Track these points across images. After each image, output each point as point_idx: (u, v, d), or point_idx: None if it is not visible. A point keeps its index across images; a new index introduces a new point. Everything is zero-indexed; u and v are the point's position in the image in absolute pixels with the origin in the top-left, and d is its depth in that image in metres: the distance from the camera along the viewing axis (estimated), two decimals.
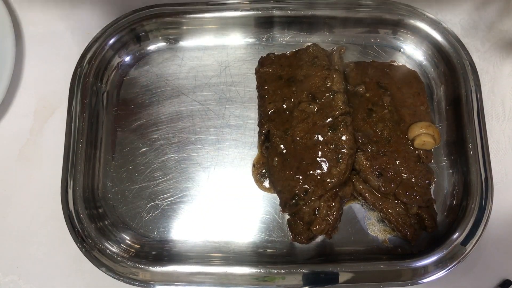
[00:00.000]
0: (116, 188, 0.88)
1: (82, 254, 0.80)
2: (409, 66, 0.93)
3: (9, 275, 0.86)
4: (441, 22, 0.91)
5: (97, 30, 0.92)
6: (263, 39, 0.96)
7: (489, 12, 0.98)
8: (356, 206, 0.86)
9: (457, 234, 0.79)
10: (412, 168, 0.83)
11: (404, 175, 0.82)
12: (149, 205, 0.87)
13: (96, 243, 0.81)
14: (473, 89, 0.86)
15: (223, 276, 0.78)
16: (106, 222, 0.85)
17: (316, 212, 0.79)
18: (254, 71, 0.92)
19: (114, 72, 0.94)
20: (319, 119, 0.82)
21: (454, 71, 0.89)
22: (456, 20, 0.97)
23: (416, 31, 0.92)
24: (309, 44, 0.92)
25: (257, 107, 0.90)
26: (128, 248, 0.83)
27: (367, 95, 0.88)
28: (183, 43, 0.96)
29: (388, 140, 0.84)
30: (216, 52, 0.96)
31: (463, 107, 0.86)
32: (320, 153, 0.80)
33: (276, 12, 0.92)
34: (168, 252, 0.84)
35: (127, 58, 0.95)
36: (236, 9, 0.92)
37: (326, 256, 0.83)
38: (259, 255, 0.83)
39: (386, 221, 0.83)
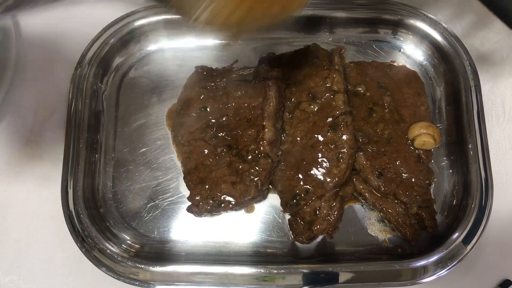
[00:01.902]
0: (116, 188, 0.88)
1: (82, 254, 0.80)
2: (409, 66, 0.93)
3: (9, 275, 0.85)
4: (441, 22, 0.91)
5: (97, 30, 0.92)
6: (263, 39, 0.96)
7: (489, 12, 0.98)
8: (356, 206, 0.86)
9: (457, 234, 0.79)
10: (412, 168, 0.83)
11: (404, 175, 0.82)
12: (149, 205, 0.87)
13: (96, 243, 0.81)
14: (473, 89, 0.86)
15: (223, 276, 0.78)
16: (106, 222, 0.85)
17: (317, 212, 0.79)
18: None
19: (114, 72, 0.94)
20: (320, 119, 0.82)
21: (454, 71, 0.89)
22: (456, 20, 0.97)
23: (416, 31, 0.93)
24: (309, 44, 0.92)
25: None
26: (128, 248, 0.83)
27: (368, 94, 0.88)
28: (183, 43, 0.96)
29: (388, 140, 0.84)
30: (216, 52, 0.96)
31: (463, 107, 0.86)
32: (320, 153, 0.80)
33: None
34: (168, 252, 0.84)
35: (127, 58, 0.95)
36: None
37: (326, 256, 0.83)
38: (259, 255, 0.83)
39: (386, 221, 0.83)
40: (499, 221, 0.85)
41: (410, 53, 0.94)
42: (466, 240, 0.79)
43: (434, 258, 0.78)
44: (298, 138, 0.83)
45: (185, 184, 0.84)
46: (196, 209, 0.82)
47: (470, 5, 0.98)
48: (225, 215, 0.86)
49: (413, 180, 0.82)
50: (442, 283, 0.82)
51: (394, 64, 0.93)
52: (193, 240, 0.85)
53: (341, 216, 0.81)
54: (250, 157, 0.81)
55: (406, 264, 0.78)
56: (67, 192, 0.83)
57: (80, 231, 0.81)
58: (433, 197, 0.84)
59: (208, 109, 0.85)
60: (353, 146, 0.80)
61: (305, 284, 0.77)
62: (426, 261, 0.78)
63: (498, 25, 0.97)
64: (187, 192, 0.85)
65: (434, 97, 0.92)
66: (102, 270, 0.79)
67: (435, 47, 0.92)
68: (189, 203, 0.83)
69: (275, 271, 0.78)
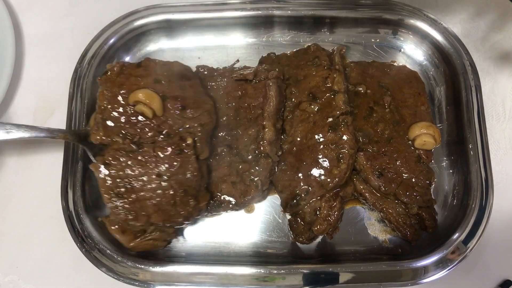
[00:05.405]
0: None
1: (82, 254, 0.80)
2: (409, 66, 0.93)
3: (9, 275, 0.86)
4: (441, 22, 0.91)
5: (97, 30, 0.92)
6: (263, 39, 0.96)
7: (489, 11, 0.98)
8: (357, 206, 0.86)
9: (457, 234, 0.79)
10: (413, 168, 0.83)
11: (405, 175, 0.82)
12: None
13: (96, 243, 0.80)
14: (473, 89, 0.86)
15: (223, 276, 0.78)
16: None
17: (317, 212, 0.79)
18: None
19: None
20: (320, 119, 0.82)
21: (454, 71, 0.89)
22: (456, 20, 0.97)
23: (416, 31, 0.92)
24: (310, 44, 0.92)
25: None
26: None
27: (368, 92, 0.88)
28: (183, 43, 0.96)
29: (388, 140, 0.84)
30: (216, 52, 0.96)
31: (463, 107, 0.86)
32: (320, 153, 0.80)
33: (276, 12, 0.92)
34: (168, 252, 0.84)
35: (127, 58, 0.95)
36: (236, 9, 0.92)
37: (327, 256, 0.83)
38: (260, 255, 0.84)
39: (386, 221, 0.83)
40: (499, 221, 0.85)
41: (411, 53, 0.94)
42: (466, 240, 0.79)
43: (434, 258, 0.78)
44: (298, 138, 0.83)
45: None
46: None
47: (471, 4, 0.98)
48: (225, 215, 0.86)
49: (413, 180, 0.82)
50: (442, 283, 0.82)
51: (394, 64, 0.93)
52: (193, 240, 0.85)
53: (341, 216, 0.81)
54: (250, 157, 0.81)
55: (406, 264, 0.78)
56: (67, 192, 0.83)
57: (80, 231, 0.81)
58: (433, 197, 0.84)
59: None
60: (353, 146, 0.80)
61: (305, 284, 0.77)
62: (426, 261, 0.78)
63: (498, 23, 0.97)
64: None
65: (434, 97, 0.92)
66: (102, 270, 0.79)
67: (435, 47, 0.92)
68: None
69: (276, 272, 0.78)
